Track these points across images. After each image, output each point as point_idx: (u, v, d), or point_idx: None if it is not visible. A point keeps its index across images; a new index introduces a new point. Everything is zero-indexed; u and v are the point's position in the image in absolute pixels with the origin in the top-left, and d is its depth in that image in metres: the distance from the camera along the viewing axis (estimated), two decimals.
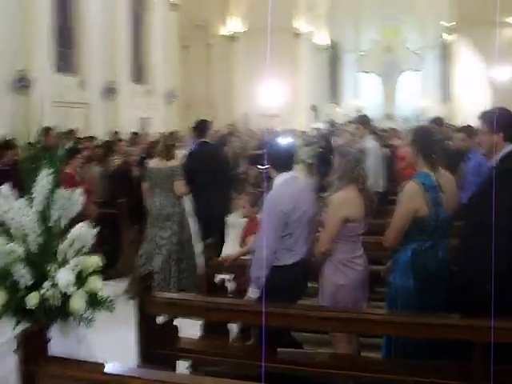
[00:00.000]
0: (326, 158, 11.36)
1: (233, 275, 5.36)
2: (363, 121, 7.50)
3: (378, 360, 4.21)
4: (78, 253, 3.16)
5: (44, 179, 3.11)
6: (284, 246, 4.21)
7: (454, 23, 24.90)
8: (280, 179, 4.31)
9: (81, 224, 3.15)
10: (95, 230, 3.25)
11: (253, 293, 4.16)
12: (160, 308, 4.08)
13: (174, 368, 4.19)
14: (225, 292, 5.23)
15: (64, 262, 3.05)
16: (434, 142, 4.10)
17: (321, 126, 18.91)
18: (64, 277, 2.89)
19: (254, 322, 3.89)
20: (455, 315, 3.80)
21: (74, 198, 3.24)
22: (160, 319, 4.20)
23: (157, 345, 4.01)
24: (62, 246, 3.09)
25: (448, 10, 25.58)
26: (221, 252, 5.91)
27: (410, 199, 3.99)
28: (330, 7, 30.66)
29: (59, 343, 3.05)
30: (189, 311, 4.09)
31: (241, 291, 5.02)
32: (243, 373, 3.95)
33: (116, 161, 9.18)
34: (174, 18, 22.50)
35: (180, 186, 7.01)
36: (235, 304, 4.24)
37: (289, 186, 4.27)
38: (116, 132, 12.53)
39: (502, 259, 3.53)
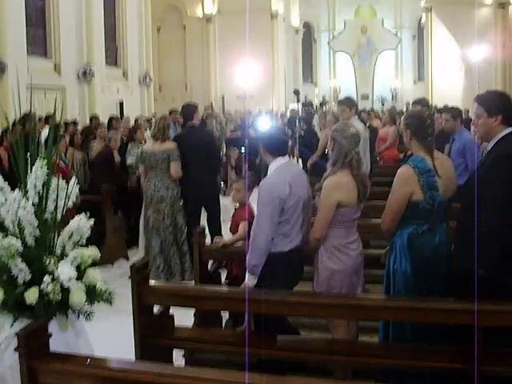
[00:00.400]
0: (308, 140, 11.38)
1: (224, 262, 5.32)
2: (349, 103, 7.44)
3: (376, 345, 4.20)
4: (75, 245, 3.08)
5: (38, 169, 3.01)
6: (280, 232, 4.16)
7: (431, 3, 24.91)
8: (275, 164, 4.24)
9: (79, 216, 3.06)
10: (92, 222, 3.17)
11: (250, 280, 4.13)
12: (157, 298, 4.01)
13: (170, 357, 4.15)
14: (218, 278, 5.19)
15: (62, 255, 2.97)
16: (428, 125, 4.07)
17: (299, 107, 18.83)
18: (66, 271, 2.81)
19: (252, 311, 3.86)
20: (452, 299, 3.81)
21: (69, 188, 3.15)
22: (156, 309, 4.14)
23: (154, 335, 3.95)
24: (61, 239, 3.00)
25: None
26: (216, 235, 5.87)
27: (404, 183, 3.95)
28: None
29: (58, 338, 2.99)
30: (186, 300, 4.03)
31: (235, 278, 4.98)
32: (239, 360, 3.92)
33: (97, 146, 9.03)
34: (147, 0, 22.14)
35: (178, 167, 6.92)
36: (233, 292, 4.18)
37: (284, 172, 4.21)
38: (95, 116, 12.28)
39: (497, 244, 3.54)
